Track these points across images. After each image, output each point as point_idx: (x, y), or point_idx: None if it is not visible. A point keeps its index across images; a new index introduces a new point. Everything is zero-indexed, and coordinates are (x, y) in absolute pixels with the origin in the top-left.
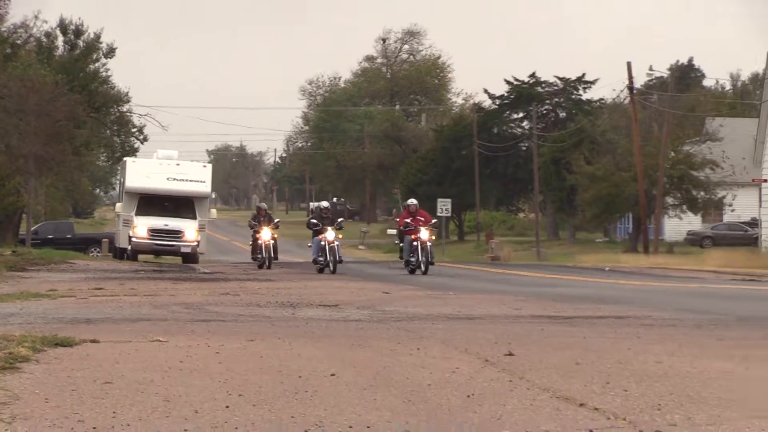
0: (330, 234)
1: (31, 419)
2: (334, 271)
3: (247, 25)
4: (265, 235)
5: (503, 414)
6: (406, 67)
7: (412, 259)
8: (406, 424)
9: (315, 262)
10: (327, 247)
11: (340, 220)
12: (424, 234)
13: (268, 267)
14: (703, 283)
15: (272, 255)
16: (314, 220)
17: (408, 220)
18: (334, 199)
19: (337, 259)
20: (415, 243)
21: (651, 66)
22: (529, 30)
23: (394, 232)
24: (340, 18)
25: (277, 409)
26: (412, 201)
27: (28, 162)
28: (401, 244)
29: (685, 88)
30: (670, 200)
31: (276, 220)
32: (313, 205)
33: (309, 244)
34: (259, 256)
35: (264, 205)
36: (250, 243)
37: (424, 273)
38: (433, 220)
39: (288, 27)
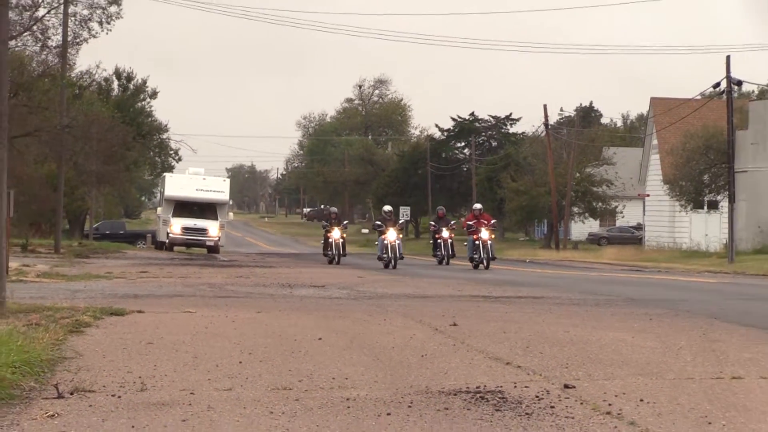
0: (391, 234)
1: (92, 370)
2: (395, 267)
3: (259, 72)
4: (335, 234)
5: (449, 369)
6: (377, 107)
7: (475, 256)
8: (376, 376)
9: (380, 258)
10: (389, 246)
11: (401, 221)
12: (485, 234)
13: (338, 262)
14: (601, 272)
15: (341, 252)
16: (378, 222)
17: (470, 222)
18: (322, 206)
19: (398, 256)
20: (477, 242)
21: (561, 108)
22: (470, 78)
23: (366, 231)
24: (328, 69)
25: (278, 364)
26: (478, 205)
27: (90, 176)
28: (383, 241)
29: (587, 124)
30: (575, 209)
31: (345, 222)
32: (306, 210)
33: (376, 243)
34: (330, 252)
35: (335, 209)
36: (322, 241)
37: (486, 268)
38: (493, 221)
39: (289, 75)
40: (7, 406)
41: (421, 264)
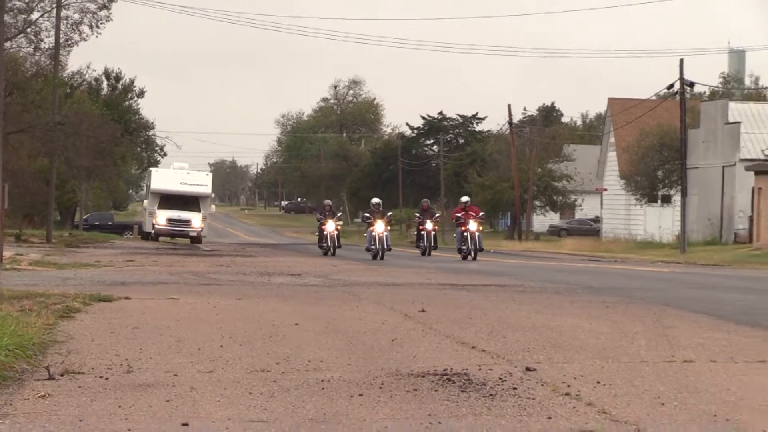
0: (379, 226)
1: (81, 353)
2: (382, 258)
3: (240, 73)
4: (330, 227)
5: (418, 353)
6: (351, 106)
7: (463, 247)
8: (349, 359)
9: (368, 249)
10: (377, 237)
11: (389, 214)
12: (473, 226)
13: (333, 254)
14: (561, 262)
15: (336, 243)
16: (367, 214)
17: (459, 214)
18: (299, 199)
19: (386, 247)
20: (465, 234)
21: (525, 107)
22: (439, 79)
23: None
24: (305, 71)
25: (257, 347)
26: (466, 198)
27: (80, 171)
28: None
29: (548, 123)
30: (537, 202)
31: (339, 214)
32: (284, 203)
33: (365, 234)
34: (325, 245)
35: (329, 201)
36: (316, 233)
37: (474, 259)
38: (481, 213)
39: (269, 75)
40: (0, 387)
41: (404, 255)
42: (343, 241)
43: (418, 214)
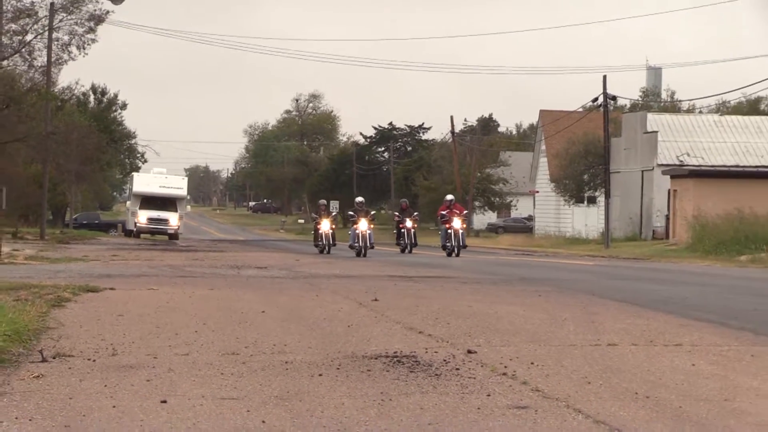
0: (363, 224)
1: (71, 338)
2: (365, 255)
3: (213, 88)
4: (325, 226)
5: (371, 337)
6: (311, 118)
7: (448, 244)
8: (309, 343)
9: (351, 247)
10: (360, 235)
11: (372, 212)
12: (457, 223)
13: (328, 252)
14: (498, 256)
15: (331, 242)
16: (351, 213)
17: (444, 212)
18: (265, 200)
19: (368, 245)
20: (449, 231)
21: (465, 118)
22: (390, 93)
23: (303, 221)
24: (270, 86)
25: (227, 333)
26: (450, 196)
27: (70, 175)
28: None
29: (487, 133)
30: (477, 203)
31: (334, 213)
32: (252, 203)
33: (349, 232)
34: (320, 243)
35: (324, 201)
36: (312, 232)
37: (457, 255)
38: (465, 212)
39: (238, 90)
40: None
41: (385, 253)
42: (301, 237)
43: (397, 213)
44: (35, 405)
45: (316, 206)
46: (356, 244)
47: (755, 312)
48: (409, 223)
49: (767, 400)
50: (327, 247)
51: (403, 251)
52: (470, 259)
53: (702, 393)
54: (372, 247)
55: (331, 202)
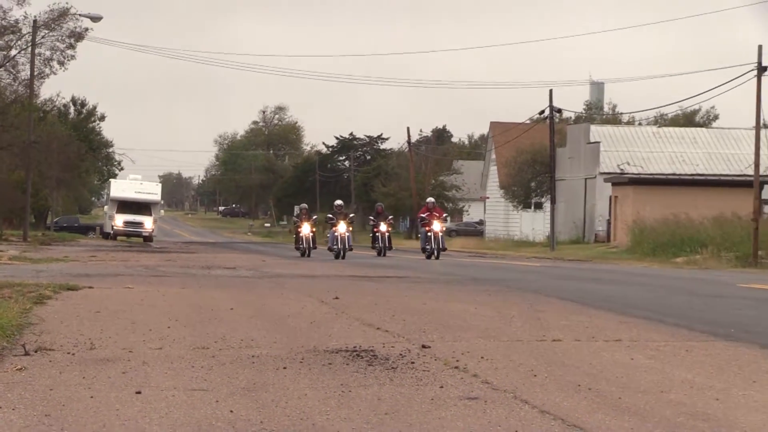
0: (342, 227)
1: (52, 333)
2: (344, 257)
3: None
4: (305, 229)
5: (332, 333)
6: (277, 128)
7: (428, 247)
8: (275, 338)
9: (330, 249)
10: (339, 237)
11: (351, 215)
12: (437, 226)
13: (308, 255)
14: (451, 257)
15: (311, 245)
16: (330, 215)
17: (423, 215)
18: (234, 205)
19: (347, 247)
20: (429, 234)
21: (421, 129)
22: (350, 105)
23: (269, 225)
24: (238, 98)
25: (198, 328)
26: (431, 199)
27: (52, 181)
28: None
29: (441, 143)
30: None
31: (314, 217)
32: (221, 208)
33: (328, 234)
34: (301, 246)
35: (305, 205)
36: (294, 235)
37: (437, 258)
38: (445, 215)
39: (209, 102)
40: None
41: (360, 255)
42: (267, 239)
43: (372, 218)
44: (18, 395)
45: (298, 210)
46: (335, 247)
47: (690, 310)
48: (383, 227)
49: (701, 391)
50: (307, 250)
51: (378, 254)
52: (425, 260)
53: (640, 385)
54: (351, 249)
55: (296, 207)
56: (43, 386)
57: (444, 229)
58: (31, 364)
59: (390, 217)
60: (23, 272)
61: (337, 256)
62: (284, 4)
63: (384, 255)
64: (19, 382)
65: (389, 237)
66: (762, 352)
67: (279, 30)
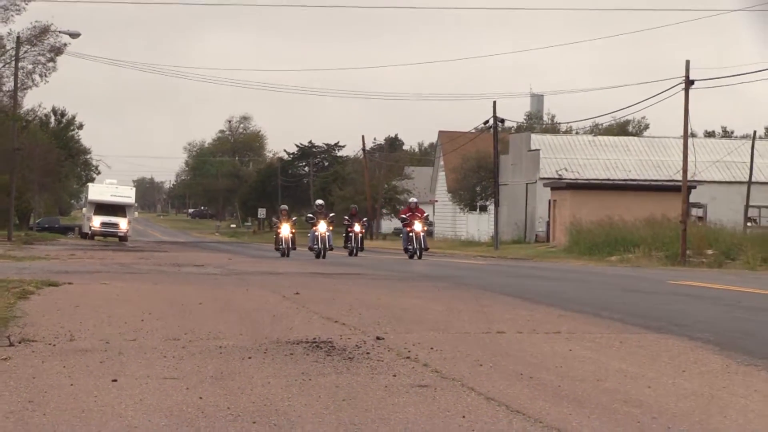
0: (322, 226)
1: (35, 326)
2: (324, 257)
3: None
4: (285, 230)
5: (293, 326)
6: (242, 136)
7: (410, 247)
8: (240, 331)
9: (311, 249)
10: (320, 237)
11: (332, 215)
12: (418, 226)
13: (287, 255)
14: (403, 256)
15: (290, 246)
16: (310, 215)
17: (404, 216)
18: (202, 207)
19: (327, 246)
20: (411, 234)
21: (375, 138)
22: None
23: (234, 226)
24: (206, 108)
25: (170, 321)
26: (413, 199)
27: (34, 185)
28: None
29: (393, 150)
30: (384, 210)
31: (294, 218)
32: (191, 210)
33: (308, 234)
34: (281, 247)
35: (285, 206)
36: (274, 236)
37: (419, 257)
38: (426, 214)
39: (179, 112)
40: None
41: (331, 255)
42: (233, 239)
43: (347, 218)
44: (3, 383)
45: (277, 211)
46: (315, 246)
47: (623, 304)
48: (357, 228)
49: (634, 380)
50: (287, 251)
51: (350, 254)
52: (379, 258)
53: (578, 374)
54: (331, 249)
55: (259, 209)
56: (27, 375)
57: (425, 229)
58: (15, 354)
59: (364, 219)
60: (7, 269)
61: (317, 256)
62: (248, 22)
63: (356, 255)
64: (4, 371)
65: (362, 238)
66: (690, 344)
67: (244, 46)
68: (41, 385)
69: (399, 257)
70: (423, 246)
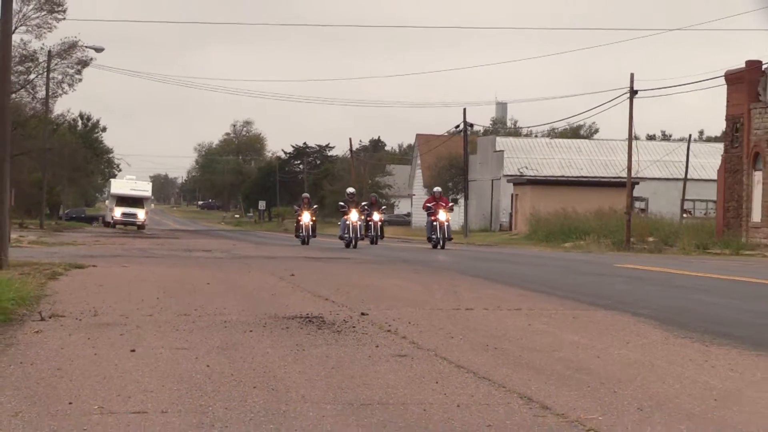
0: (354, 215)
1: (63, 302)
2: (355, 246)
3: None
4: (305, 218)
5: (289, 303)
6: (245, 138)
7: (433, 236)
8: (243, 307)
9: (341, 238)
10: (351, 226)
11: (364, 203)
12: (442, 216)
13: (307, 243)
14: (385, 243)
15: (311, 233)
16: (342, 203)
17: (430, 204)
18: (210, 200)
19: (359, 236)
20: (435, 223)
21: (360, 140)
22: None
23: (238, 216)
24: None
25: (182, 299)
26: (437, 189)
27: (63, 180)
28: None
29: (376, 150)
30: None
31: (315, 206)
32: (200, 202)
33: (339, 223)
34: (301, 234)
35: (307, 195)
36: (294, 223)
37: (443, 248)
38: (450, 204)
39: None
40: (8, 326)
41: (332, 242)
42: (237, 228)
43: (366, 207)
44: (35, 353)
45: (299, 200)
46: (346, 236)
47: (576, 285)
48: (376, 216)
49: (585, 350)
50: (307, 238)
51: (371, 242)
52: (362, 244)
53: (536, 345)
54: (362, 239)
55: (260, 202)
56: (56, 345)
57: (449, 218)
58: (46, 327)
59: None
60: (39, 254)
61: (348, 245)
62: (250, 39)
63: (376, 243)
64: (36, 343)
65: (381, 226)
66: (633, 319)
67: (246, 60)
68: (68, 354)
69: (419, 246)
70: (447, 236)
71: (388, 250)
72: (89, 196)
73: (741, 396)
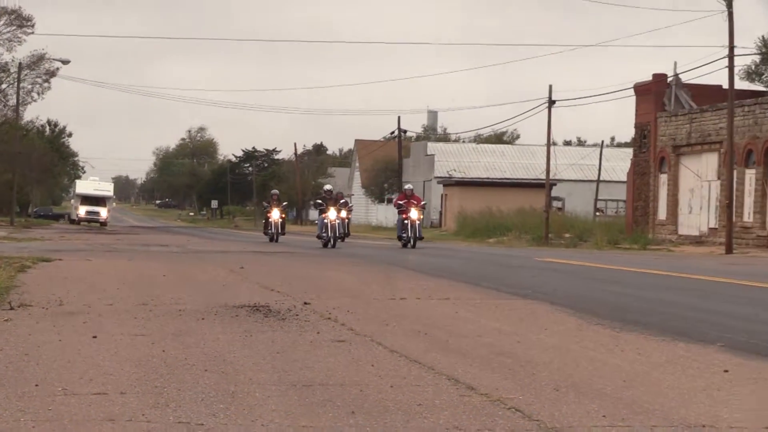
0: (332, 213)
1: (31, 293)
2: (334, 245)
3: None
4: (275, 214)
5: (238, 293)
6: (199, 143)
7: (404, 235)
8: (196, 297)
9: (319, 237)
10: (329, 225)
11: (342, 201)
12: (414, 214)
13: (276, 240)
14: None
15: (280, 230)
16: (319, 201)
17: (401, 202)
18: (167, 199)
19: (338, 235)
20: (406, 221)
21: (305, 144)
22: (252, 125)
23: (192, 214)
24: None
25: (139, 290)
26: (409, 186)
27: (32, 181)
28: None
29: (319, 154)
30: (311, 203)
31: (284, 204)
32: (158, 202)
33: (316, 221)
34: (270, 231)
35: (276, 191)
36: (263, 221)
37: (413, 246)
38: (423, 202)
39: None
40: None
41: (306, 242)
42: (194, 225)
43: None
44: (4, 339)
45: (268, 197)
46: (324, 235)
47: (498, 276)
48: (414, 214)
49: (507, 336)
50: (276, 236)
51: (404, 246)
52: (304, 239)
53: (462, 331)
54: (342, 239)
55: (212, 201)
56: (24, 333)
57: (421, 217)
58: (15, 316)
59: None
60: (10, 248)
61: (325, 245)
62: (205, 52)
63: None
64: (5, 330)
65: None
66: (551, 308)
67: (200, 71)
68: (35, 341)
69: (383, 243)
70: (418, 235)
71: (351, 248)
72: (56, 196)
73: (647, 377)
